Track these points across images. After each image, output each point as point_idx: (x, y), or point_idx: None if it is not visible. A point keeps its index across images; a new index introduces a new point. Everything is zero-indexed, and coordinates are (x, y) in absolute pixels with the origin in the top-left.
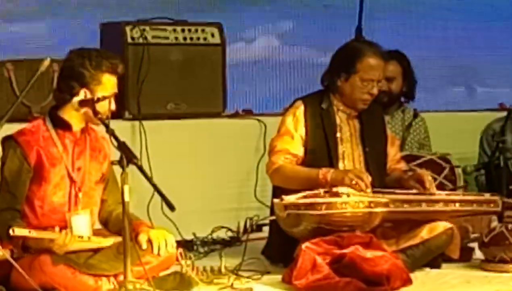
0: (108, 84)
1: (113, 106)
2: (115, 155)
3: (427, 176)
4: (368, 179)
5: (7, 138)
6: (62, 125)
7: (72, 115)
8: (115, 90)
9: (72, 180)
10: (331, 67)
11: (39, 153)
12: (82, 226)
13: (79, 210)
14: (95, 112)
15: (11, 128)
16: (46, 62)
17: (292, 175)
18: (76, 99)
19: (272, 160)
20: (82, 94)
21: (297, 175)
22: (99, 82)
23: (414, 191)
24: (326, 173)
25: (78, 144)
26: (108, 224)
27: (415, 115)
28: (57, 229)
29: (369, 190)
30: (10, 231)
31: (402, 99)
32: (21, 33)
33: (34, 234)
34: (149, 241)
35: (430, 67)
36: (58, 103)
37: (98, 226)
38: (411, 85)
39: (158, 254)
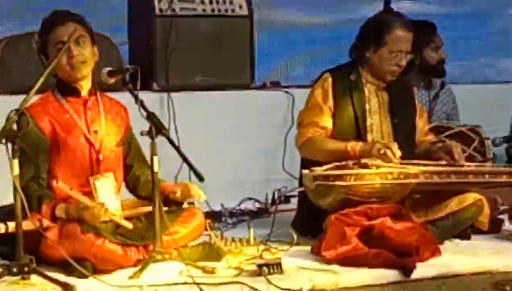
0: (57, 37)
1: (75, 53)
2: (144, 125)
3: (456, 147)
4: (396, 148)
5: (23, 114)
6: (70, 92)
7: (68, 79)
8: (66, 36)
9: (90, 143)
10: (360, 39)
11: (51, 122)
12: (106, 189)
13: (102, 173)
14: (124, 83)
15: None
16: (78, 32)
17: (321, 147)
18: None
19: (301, 132)
20: (55, 61)
21: (325, 147)
22: (49, 42)
23: (443, 162)
24: (354, 146)
25: (90, 109)
26: (136, 189)
27: (442, 85)
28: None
29: (397, 161)
30: (54, 183)
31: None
32: (47, 3)
33: (74, 193)
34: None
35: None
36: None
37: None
38: (441, 61)
39: (199, 198)
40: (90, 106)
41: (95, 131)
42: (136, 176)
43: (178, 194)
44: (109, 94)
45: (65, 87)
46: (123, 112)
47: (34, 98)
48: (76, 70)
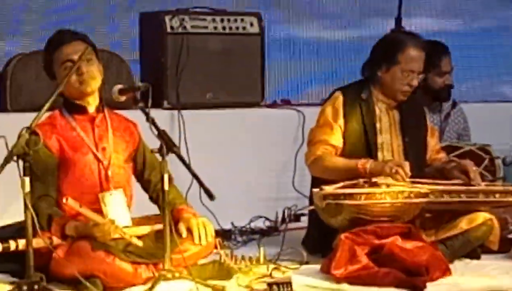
0: (64, 56)
1: (84, 70)
2: (155, 143)
3: (472, 166)
4: (407, 167)
5: (34, 132)
6: (77, 110)
7: (77, 96)
8: (75, 55)
9: (98, 160)
10: (372, 57)
11: (59, 140)
12: (117, 205)
13: (111, 189)
14: (135, 101)
15: None
16: (88, 50)
17: (331, 166)
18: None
19: (311, 150)
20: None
21: (335, 166)
22: (54, 60)
23: (456, 181)
24: (365, 163)
25: (98, 126)
26: (158, 202)
27: (454, 105)
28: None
29: (408, 180)
30: (64, 200)
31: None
32: (60, 21)
33: (84, 210)
34: (189, 230)
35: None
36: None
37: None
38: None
39: (199, 243)
40: (98, 124)
41: (103, 148)
42: (157, 189)
43: (183, 234)
44: (119, 112)
45: (72, 105)
46: (132, 127)
47: (42, 117)
48: (87, 85)
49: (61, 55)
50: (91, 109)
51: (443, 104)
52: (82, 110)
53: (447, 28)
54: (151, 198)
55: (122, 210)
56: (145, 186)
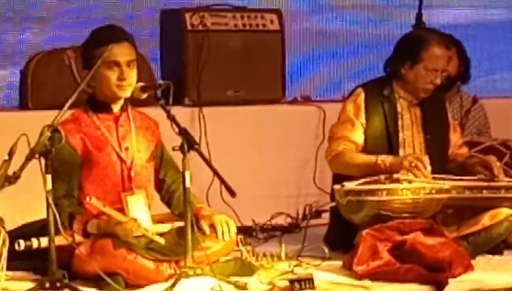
0: (111, 56)
1: (126, 76)
2: (175, 140)
3: (495, 162)
4: (427, 161)
5: (57, 130)
6: (102, 109)
7: (109, 97)
8: (121, 58)
9: (121, 160)
10: (395, 54)
11: (83, 139)
12: (138, 207)
13: (134, 190)
14: (156, 98)
15: None
16: (109, 48)
17: (351, 162)
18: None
19: (332, 146)
20: (89, 76)
21: (356, 162)
22: (98, 55)
23: (478, 176)
24: (385, 159)
25: (122, 125)
26: (171, 205)
27: (474, 101)
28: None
29: (430, 176)
30: (87, 199)
31: (458, 83)
32: (80, 19)
33: (107, 209)
34: (212, 226)
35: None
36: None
37: (157, 209)
38: (466, 65)
39: (223, 240)
40: (122, 123)
41: (126, 148)
42: (170, 191)
43: (207, 231)
44: (141, 109)
45: (97, 104)
46: (154, 126)
47: (65, 115)
48: (124, 91)
49: (107, 53)
50: (116, 108)
51: (463, 100)
52: (107, 109)
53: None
54: (162, 199)
55: (143, 212)
56: (158, 185)
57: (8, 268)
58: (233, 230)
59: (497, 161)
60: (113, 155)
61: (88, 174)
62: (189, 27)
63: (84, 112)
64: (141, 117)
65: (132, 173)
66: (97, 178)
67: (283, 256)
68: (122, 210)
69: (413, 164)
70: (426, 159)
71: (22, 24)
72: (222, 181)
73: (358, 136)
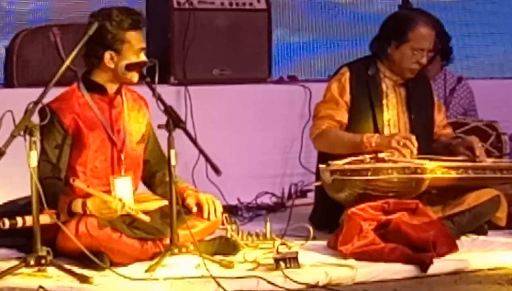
0: (133, 41)
1: (143, 58)
2: (161, 119)
3: (477, 143)
4: (415, 140)
5: (43, 108)
6: (97, 89)
7: (105, 78)
8: (142, 45)
9: (113, 143)
10: (381, 34)
11: (75, 119)
12: (125, 189)
13: (122, 172)
14: (142, 76)
15: (57, 93)
16: (95, 26)
17: (336, 140)
18: (123, 63)
19: (316, 124)
20: (108, 56)
21: (340, 140)
22: (122, 41)
23: (462, 157)
24: (370, 138)
25: (114, 107)
26: (152, 186)
27: (459, 80)
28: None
29: (414, 156)
30: (71, 180)
31: (443, 62)
32: None
33: (91, 190)
34: (198, 205)
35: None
36: (88, 67)
37: (141, 189)
38: (445, 41)
39: (208, 219)
40: (115, 105)
41: (118, 131)
42: (152, 171)
43: (194, 210)
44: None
45: (92, 84)
46: (145, 107)
47: (58, 92)
48: (136, 78)
49: (132, 39)
50: (111, 90)
51: (447, 79)
52: (102, 90)
53: None
54: (144, 179)
55: (129, 193)
56: (143, 166)
57: None
58: (219, 209)
59: (479, 141)
60: (104, 137)
61: (77, 155)
62: (175, 5)
63: (78, 91)
64: (133, 98)
65: (122, 156)
66: (86, 159)
67: (268, 235)
68: (109, 192)
69: (401, 143)
70: (413, 138)
71: None
72: (208, 159)
73: (342, 115)
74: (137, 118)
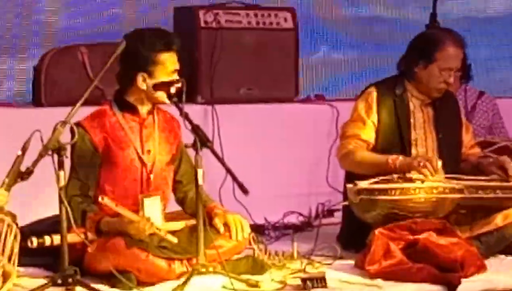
0: (166, 62)
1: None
2: (188, 138)
3: (509, 163)
4: (436, 161)
5: (75, 125)
6: (129, 109)
7: (138, 98)
8: (175, 66)
9: (142, 163)
10: (409, 53)
11: (106, 138)
12: (154, 209)
13: (151, 192)
14: (169, 96)
15: (85, 112)
16: (122, 46)
17: (361, 160)
18: (150, 82)
19: (343, 144)
20: (140, 78)
21: (366, 160)
22: (155, 62)
23: (491, 177)
24: (395, 159)
25: (146, 127)
26: (184, 205)
27: (481, 95)
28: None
29: (442, 176)
30: (99, 199)
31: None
32: (93, 15)
33: (120, 209)
34: (225, 225)
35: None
36: (121, 87)
37: (170, 207)
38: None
39: (236, 239)
40: (146, 125)
41: (148, 151)
42: (184, 191)
43: (221, 230)
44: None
45: (125, 103)
46: (177, 128)
47: (86, 111)
48: (162, 98)
49: (165, 61)
50: (143, 110)
51: (468, 95)
52: (134, 110)
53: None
54: (177, 200)
55: (158, 212)
56: (174, 186)
57: (19, 264)
58: (247, 230)
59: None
60: (134, 157)
61: (107, 174)
62: (202, 24)
63: (110, 110)
64: (165, 118)
65: (152, 177)
66: (115, 178)
67: (295, 254)
68: (137, 212)
69: (421, 164)
70: (435, 159)
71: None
72: (235, 179)
73: (369, 134)
74: (168, 139)
